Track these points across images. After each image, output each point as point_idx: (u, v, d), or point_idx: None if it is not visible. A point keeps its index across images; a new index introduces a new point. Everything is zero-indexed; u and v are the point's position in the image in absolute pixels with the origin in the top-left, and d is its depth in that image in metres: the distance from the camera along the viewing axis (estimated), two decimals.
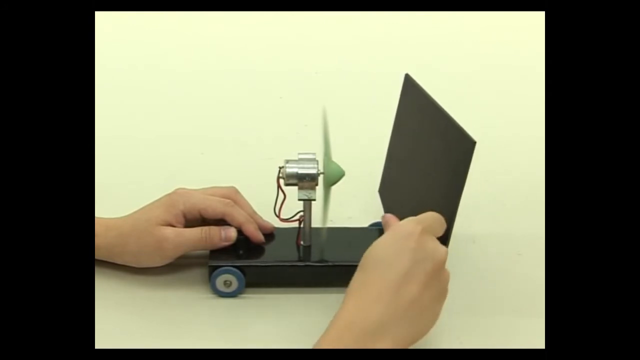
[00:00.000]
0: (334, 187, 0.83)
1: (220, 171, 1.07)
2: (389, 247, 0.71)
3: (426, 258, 0.70)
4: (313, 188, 0.83)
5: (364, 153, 0.99)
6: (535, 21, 1.24)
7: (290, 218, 0.86)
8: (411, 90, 0.90)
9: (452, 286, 0.78)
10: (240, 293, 0.84)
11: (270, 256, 0.85)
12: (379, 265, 0.70)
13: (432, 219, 0.74)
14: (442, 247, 0.72)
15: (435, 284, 0.70)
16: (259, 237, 0.86)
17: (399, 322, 0.68)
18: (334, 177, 0.83)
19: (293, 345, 0.74)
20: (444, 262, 0.71)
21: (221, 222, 0.86)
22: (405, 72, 0.91)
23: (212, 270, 0.83)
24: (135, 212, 0.86)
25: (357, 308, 0.69)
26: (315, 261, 0.84)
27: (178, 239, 0.83)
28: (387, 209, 0.90)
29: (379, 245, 0.72)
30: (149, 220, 0.83)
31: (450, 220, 0.75)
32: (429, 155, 0.83)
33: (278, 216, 0.85)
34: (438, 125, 0.81)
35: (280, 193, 0.85)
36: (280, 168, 0.84)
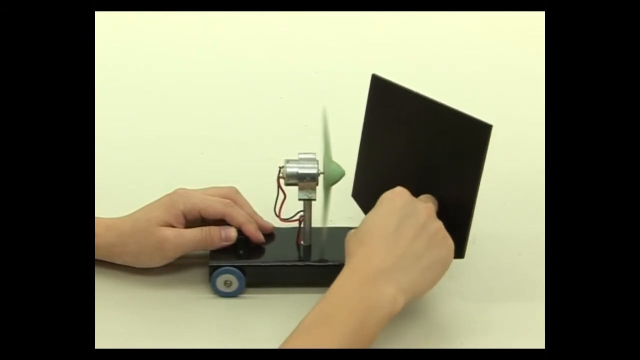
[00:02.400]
0: (334, 187, 0.83)
1: (220, 171, 1.07)
2: (378, 213, 0.78)
3: (410, 214, 0.76)
4: (313, 188, 0.83)
5: None
6: (535, 21, 1.24)
7: (291, 218, 0.86)
8: (390, 90, 0.88)
9: (452, 286, 0.78)
10: (241, 293, 0.84)
11: (271, 256, 0.85)
12: (372, 228, 0.77)
13: None
14: (424, 204, 0.78)
15: (424, 235, 0.76)
16: (259, 237, 0.86)
17: (400, 270, 0.74)
18: (334, 177, 0.83)
19: None
20: (428, 215, 0.77)
21: (221, 222, 0.86)
22: (372, 73, 0.90)
23: (213, 270, 0.83)
24: (135, 212, 0.86)
25: (357, 260, 0.75)
26: (315, 261, 0.84)
27: (178, 240, 0.83)
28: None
29: (370, 214, 0.78)
30: (149, 220, 0.83)
31: (468, 214, 0.77)
32: (434, 152, 0.82)
33: (278, 216, 0.85)
34: (440, 119, 0.80)
35: (281, 193, 0.85)
36: (280, 168, 0.84)
